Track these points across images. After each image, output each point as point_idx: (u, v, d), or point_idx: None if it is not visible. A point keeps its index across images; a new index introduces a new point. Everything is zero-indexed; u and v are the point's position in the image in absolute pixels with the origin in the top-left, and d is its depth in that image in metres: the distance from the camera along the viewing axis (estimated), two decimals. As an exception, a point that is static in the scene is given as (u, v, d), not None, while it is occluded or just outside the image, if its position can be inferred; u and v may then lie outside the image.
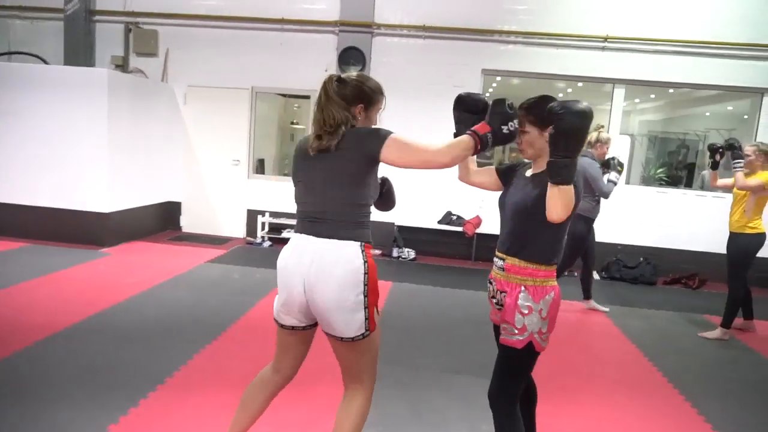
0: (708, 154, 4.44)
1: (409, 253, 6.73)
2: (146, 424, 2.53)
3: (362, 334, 1.84)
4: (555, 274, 1.96)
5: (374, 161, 1.84)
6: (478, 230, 6.69)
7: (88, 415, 2.55)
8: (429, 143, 1.83)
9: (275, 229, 7.05)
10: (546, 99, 1.92)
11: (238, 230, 7.28)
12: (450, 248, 6.98)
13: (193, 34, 7.05)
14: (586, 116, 1.71)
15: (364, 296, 1.82)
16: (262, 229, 7.01)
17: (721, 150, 4.30)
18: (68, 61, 7.02)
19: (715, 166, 4.39)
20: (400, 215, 6.93)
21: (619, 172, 4.54)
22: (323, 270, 1.81)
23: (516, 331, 1.92)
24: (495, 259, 2.04)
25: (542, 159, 1.93)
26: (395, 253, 6.72)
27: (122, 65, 7.10)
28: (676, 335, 4.49)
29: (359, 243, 1.84)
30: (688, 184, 8.76)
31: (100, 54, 7.21)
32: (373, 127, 1.93)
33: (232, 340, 3.63)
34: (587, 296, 4.95)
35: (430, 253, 6.95)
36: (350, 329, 1.83)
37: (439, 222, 6.86)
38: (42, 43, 7.22)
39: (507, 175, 2.12)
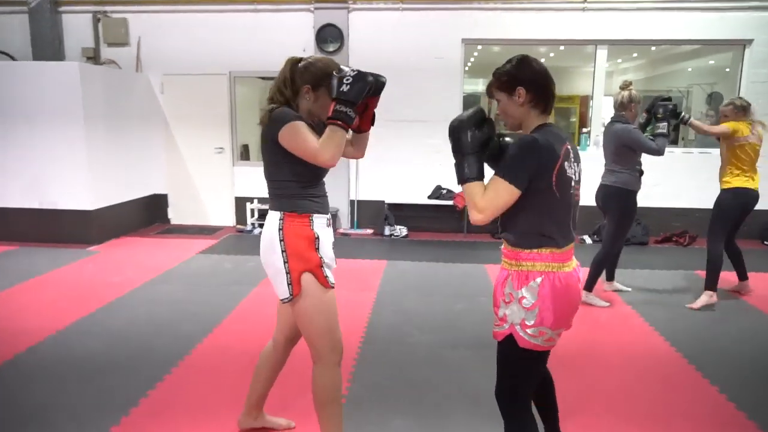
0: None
1: (401, 230, 6.71)
2: (148, 422, 2.51)
3: (285, 298, 1.97)
4: (550, 257, 1.70)
5: (278, 145, 1.91)
6: (468, 202, 6.67)
7: (89, 418, 2.53)
8: (314, 140, 1.86)
9: (265, 215, 6.97)
10: (517, 60, 1.77)
11: (228, 219, 7.20)
12: (442, 223, 6.97)
13: (165, 21, 6.85)
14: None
15: (284, 262, 1.94)
16: (252, 216, 6.94)
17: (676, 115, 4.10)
18: (36, 55, 6.80)
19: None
20: (389, 193, 6.90)
21: (663, 119, 3.87)
22: (261, 239, 2.05)
23: (497, 322, 1.78)
24: None
25: (525, 128, 1.78)
26: (387, 231, 6.69)
27: (93, 57, 6.90)
28: (672, 295, 4.52)
29: (280, 212, 1.98)
30: (674, 141, 8.76)
31: (69, 46, 6.99)
32: (285, 110, 1.94)
33: (228, 333, 3.60)
34: (610, 277, 4.54)
35: (422, 229, 6.94)
36: (279, 291, 1.99)
37: (429, 197, 6.83)
38: (7, 38, 6.98)
39: None
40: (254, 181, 7.01)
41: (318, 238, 1.97)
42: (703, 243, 6.19)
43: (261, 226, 6.83)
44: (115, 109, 6.36)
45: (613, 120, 4.08)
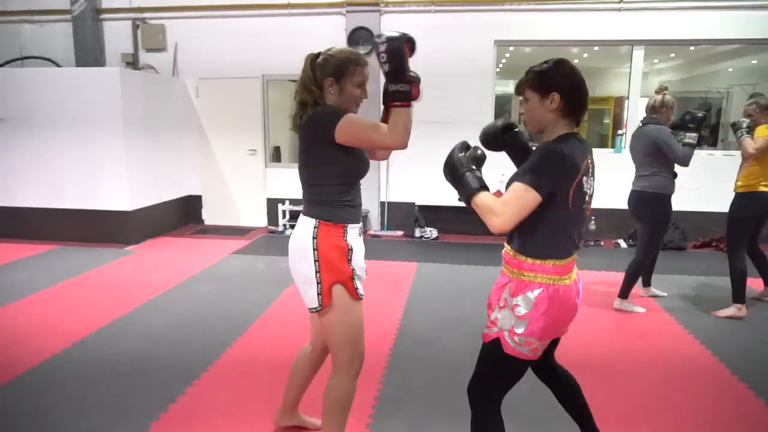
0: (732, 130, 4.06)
1: (432, 232, 6.70)
2: (186, 419, 2.57)
3: (314, 307, 1.93)
4: (552, 269, 1.69)
5: (329, 143, 1.83)
6: (500, 205, 6.60)
7: (129, 414, 2.60)
8: (379, 127, 1.80)
9: (296, 216, 7.06)
10: (556, 63, 1.71)
11: (260, 220, 7.31)
12: (472, 225, 6.87)
13: (200, 26, 7.01)
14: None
15: (316, 272, 1.89)
16: (283, 217, 7.03)
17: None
18: (79, 62, 7.05)
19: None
20: (419, 194, 6.89)
21: (694, 129, 3.79)
22: (290, 242, 1.99)
23: (488, 324, 1.79)
24: None
25: (547, 135, 1.73)
26: (417, 233, 6.68)
27: (132, 62, 7.11)
28: (712, 302, 4.39)
29: (315, 219, 1.91)
30: (714, 144, 8.51)
31: (109, 52, 7.22)
32: (330, 106, 1.90)
33: (261, 333, 3.66)
34: (646, 283, 4.46)
35: (452, 231, 6.90)
36: (307, 300, 1.95)
37: (460, 199, 6.78)
38: (52, 45, 7.25)
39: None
40: (286, 182, 7.11)
41: (351, 249, 1.92)
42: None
43: (292, 227, 6.90)
44: (153, 112, 6.53)
45: (646, 122, 4.00)
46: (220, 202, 7.38)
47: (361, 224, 2.03)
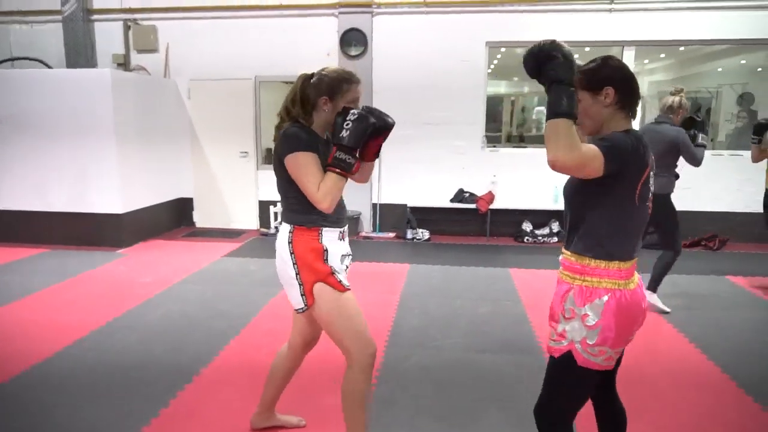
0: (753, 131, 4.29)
1: (423, 233, 6.71)
2: (185, 415, 2.57)
3: (300, 308, 2.03)
4: (617, 273, 1.60)
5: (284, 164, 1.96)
6: (492, 206, 6.64)
7: (129, 410, 2.61)
8: (316, 182, 1.90)
9: (288, 217, 7.04)
10: (603, 58, 1.68)
11: (251, 222, 7.30)
12: (464, 226, 6.94)
13: (192, 27, 6.98)
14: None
15: (296, 273, 1.99)
16: (275, 219, 7.01)
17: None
18: (70, 63, 7.00)
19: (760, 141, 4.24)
20: (412, 196, 6.91)
21: (707, 132, 4.04)
22: (276, 248, 2.08)
23: (555, 337, 1.68)
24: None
25: (609, 131, 1.63)
26: (409, 234, 6.69)
27: (124, 63, 7.07)
28: (702, 300, 4.43)
29: (290, 225, 2.02)
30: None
31: (100, 53, 7.18)
32: (294, 135, 1.96)
33: (255, 334, 3.66)
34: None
35: (444, 233, 6.92)
36: (293, 302, 2.05)
37: (452, 200, 6.81)
38: (43, 46, 7.20)
39: None
40: (279, 184, 7.08)
41: (326, 250, 1.99)
42: (734, 247, 6.10)
43: (285, 228, 6.89)
44: (144, 114, 6.50)
45: (661, 121, 4.01)
46: (212, 204, 7.36)
47: (342, 229, 2.07)
